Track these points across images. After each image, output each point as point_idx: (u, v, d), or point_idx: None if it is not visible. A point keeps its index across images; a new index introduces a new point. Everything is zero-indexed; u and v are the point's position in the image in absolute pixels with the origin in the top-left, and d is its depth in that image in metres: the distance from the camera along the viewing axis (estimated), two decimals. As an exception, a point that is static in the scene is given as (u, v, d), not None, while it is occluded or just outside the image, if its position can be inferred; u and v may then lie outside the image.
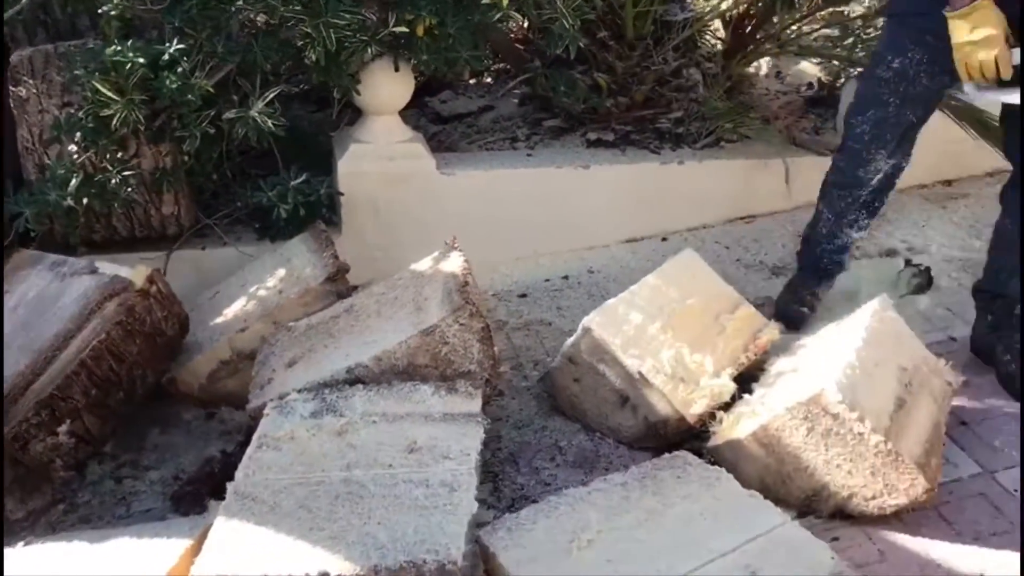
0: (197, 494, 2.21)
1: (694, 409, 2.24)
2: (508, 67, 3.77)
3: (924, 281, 2.88)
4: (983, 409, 2.39)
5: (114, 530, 1.95)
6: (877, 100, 2.49)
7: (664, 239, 3.34)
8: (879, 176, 2.59)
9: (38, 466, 2.26)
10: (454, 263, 2.36)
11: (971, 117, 3.03)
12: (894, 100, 2.46)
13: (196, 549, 1.71)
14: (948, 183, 3.50)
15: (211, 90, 2.65)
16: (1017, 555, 1.99)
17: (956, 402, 2.35)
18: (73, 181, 2.58)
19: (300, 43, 2.71)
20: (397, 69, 2.86)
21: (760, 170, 3.35)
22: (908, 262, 2.97)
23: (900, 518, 2.05)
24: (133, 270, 2.38)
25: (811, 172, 3.39)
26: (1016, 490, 2.15)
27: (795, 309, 2.77)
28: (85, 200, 2.60)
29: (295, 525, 1.70)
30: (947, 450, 2.21)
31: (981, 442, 2.30)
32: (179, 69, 2.57)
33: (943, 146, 3.24)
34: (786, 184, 3.34)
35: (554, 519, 1.72)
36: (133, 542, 1.80)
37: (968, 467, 2.22)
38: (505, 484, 2.27)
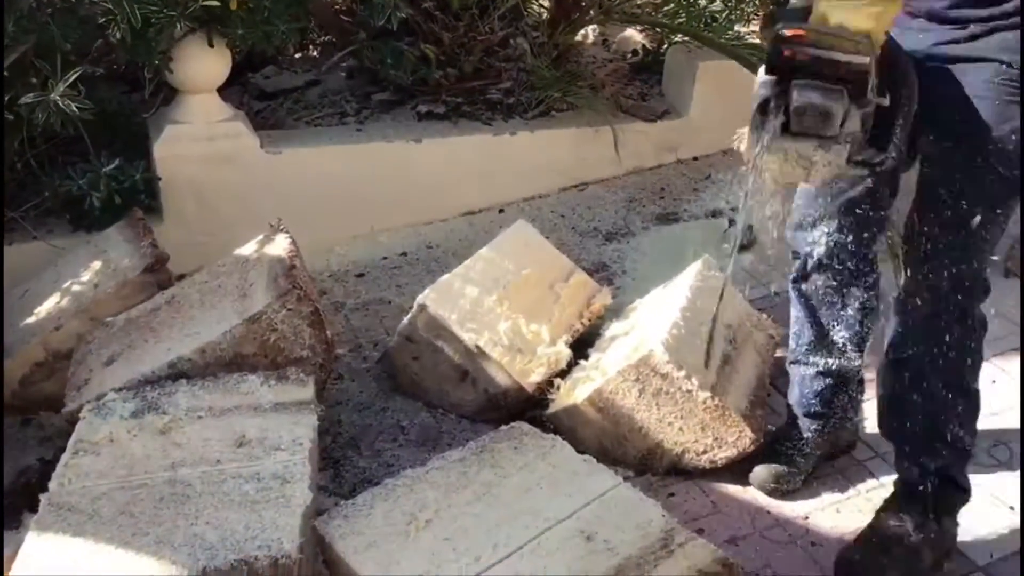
0: (13, 508, 2.05)
1: (532, 378, 2.26)
2: (333, 40, 3.66)
3: (747, 240, 2.99)
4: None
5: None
6: None
7: (501, 211, 3.34)
8: None
9: None
10: (279, 246, 2.28)
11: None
12: None
13: (7, 571, 1.59)
14: (768, 143, 3.64)
15: (4, 73, 2.45)
16: (839, 495, 2.12)
17: (779, 353, 2.45)
18: None
19: (102, 20, 2.54)
20: (211, 45, 2.73)
21: (590, 138, 3.39)
22: (732, 222, 3.08)
23: (731, 469, 2.12)
24: (-77, 272, 2.19)
25: (638, 138, 3.49)
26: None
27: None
28: None
29: (116, 533, 1.60)
30: (772, 399, 2.32)
31: (803, 390, 2.41)
32: (-37, 51, 2.37)
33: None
34: (616, 151, 3.40)
35: (391, 502, 1.69)
36: (-65, 567, 1.66)
37: (792, 415, 2.33)
38: (347, 469, 2.22)
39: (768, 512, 2.06)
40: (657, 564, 1.51)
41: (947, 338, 1.80)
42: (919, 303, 1.82)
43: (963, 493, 1.92)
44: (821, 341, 2.05)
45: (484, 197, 3.33)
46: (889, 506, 1.94)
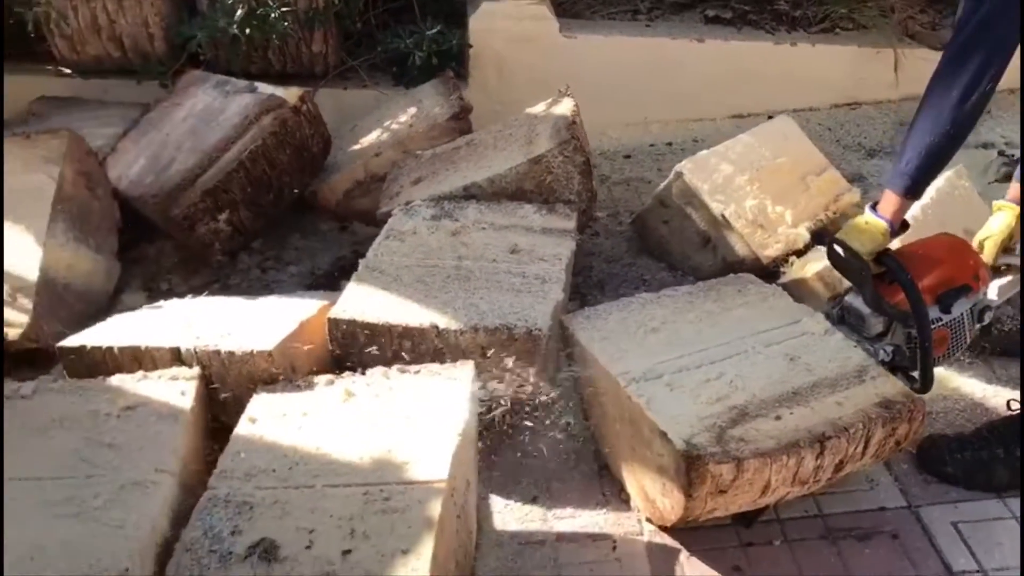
0: (331, 282, 2.60)
1: (769, 251, 2.47)
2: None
3: (1012, 170, 2.99)
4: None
5: (264, 297, 2.33)
6: None
7: (770, 117, 3.48)
8: None
9: (200, 249, 2.68)
10: (565, 106, 2.63)
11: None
12: None
13: (330, 307, 2.07)
14: (1061, 86, 3.53)
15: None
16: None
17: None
18: (239, 11, 2.94)
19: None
20: (531, -68, 3.09)
21: (870, 58, 3.46)
22: (1001, 152, 3.08)
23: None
24: (287, 91, 2.73)
25: (920, 65, 3.49)
26: None
27: None
28: (247, 30, 2.97)
29: (413, 293, 2.04)
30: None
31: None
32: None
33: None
34: (895, 74, 3.44)
35: (626, 312, 2.01)
36: (280, 301, 2.19)
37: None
38: (591, 303, 2.56)
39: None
40: (848, 387, 1.72)
41: None
42: None
43: None
44: None
45: (755, 102, 3.50)
46: (996, 420, 2.04)
